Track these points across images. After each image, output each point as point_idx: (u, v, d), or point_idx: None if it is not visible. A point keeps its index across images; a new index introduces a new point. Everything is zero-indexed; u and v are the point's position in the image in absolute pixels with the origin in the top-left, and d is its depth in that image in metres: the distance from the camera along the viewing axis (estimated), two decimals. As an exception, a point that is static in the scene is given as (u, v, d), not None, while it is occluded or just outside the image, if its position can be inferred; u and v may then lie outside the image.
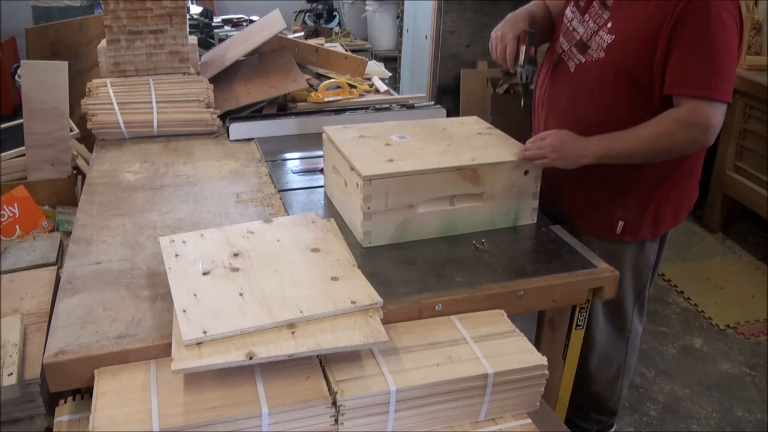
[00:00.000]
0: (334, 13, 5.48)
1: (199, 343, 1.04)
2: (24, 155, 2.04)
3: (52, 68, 2.04)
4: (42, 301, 1.33)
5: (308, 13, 5.37)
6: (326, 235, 1.38)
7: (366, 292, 1.18)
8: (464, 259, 1.42)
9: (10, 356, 1.12)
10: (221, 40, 3.36)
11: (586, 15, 1.62)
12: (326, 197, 1.71)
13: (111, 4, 2.10)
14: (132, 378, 1.06)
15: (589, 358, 1.84)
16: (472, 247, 1.47)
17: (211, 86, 2.18)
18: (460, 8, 4.42)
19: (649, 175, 1.60)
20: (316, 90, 2.43)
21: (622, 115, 1.53)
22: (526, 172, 1.52)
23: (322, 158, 1.75)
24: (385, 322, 1.14)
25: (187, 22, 2.23)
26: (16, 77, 2.79)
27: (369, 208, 1.41)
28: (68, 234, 1.66)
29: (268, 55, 2.59)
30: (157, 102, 2.09)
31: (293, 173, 1.87)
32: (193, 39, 2.31)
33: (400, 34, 5.13)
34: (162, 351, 1.11)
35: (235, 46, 2.60)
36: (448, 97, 4.57)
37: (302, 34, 3.89)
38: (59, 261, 1.63)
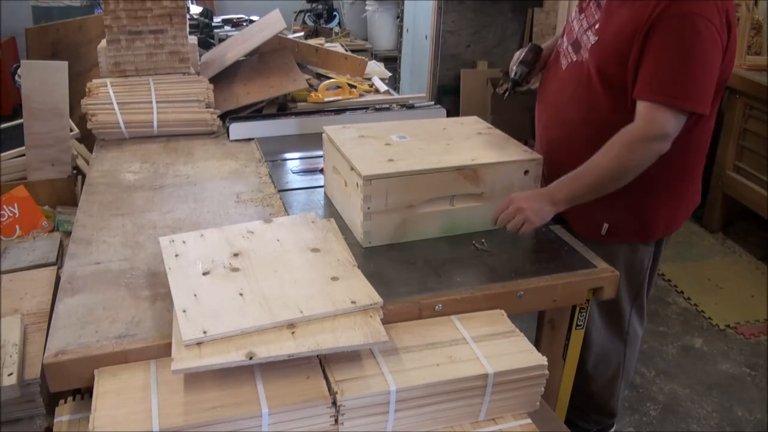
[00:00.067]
0: (334, 13, 5.48)
1: (199, 343, 1.04)
2: (24, 155, 2.04)
3: (52, 68, 2.04)
4: (42, 301, 1.33)
5: (308, 13, 5.37)
6: (326, 235, 1.38)
7: (366, 292, 1.18)
8: (464, 259, 1.42)
9: (10, 356, 1.12)
10: (221, 40, 3.36)
11: (583, 14, 1.63)
12: (326, 197, 1.71)
13: (111, 4, 2.10)
14: (132, 378, 1.06)
15: (586, 358, 1.84)
16: (472, 247, 1.47)
17: (211, 86, 2.18)
18: (460, 8, 4.42)
19: (637, 182, 1.53)
20: (316, 90, 2.43)
21: (603, 116, 1.54)
22: (526, 172, 1.52)
23: (322, 158, 1.75)
24: (385, 322, 1.14)
25: (187, 22, 2.23)
26: (16, 77, 2.79)
27: (369, 208, 1.41)
28: (68, 234, 1.66)
29: (268, 55, 2.59)
30: (157, 102, 2.09)
31: (293, 173, 1.87)
32: (193, 39, 2.31)
33: (400, 34, 5.13)
34: (162, 351, 1.11)
35: (235, 46, 2.60)
36: (448, 97, 4.57)
37: (302, 34, 3.89)
38: (59, 261, 1.63)
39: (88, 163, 2.16)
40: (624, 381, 1.98)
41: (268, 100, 2.31)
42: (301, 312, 1.11)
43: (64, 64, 2.05)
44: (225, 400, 1.00)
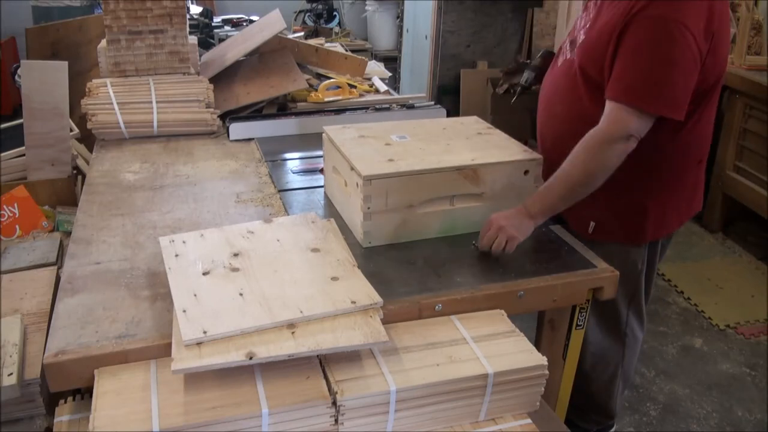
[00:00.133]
0: (334, 13, 5.48)
1: (199, 343, 1.04)
2: (24, 155, 2.04)
3: (52, 68, 2.04)
4: (42, 301, 1.33)
5: (308, 13, 5.37)
6: (326, 235, 1.38)
7: (366, 292, 1.18)
8: (464, 259, 1.42)
9: (10, 356, 1.12)
10: (221, 40, 3.36)
11: (584, 13, 1.65)
12: (326, 197, 1.71)
13: (111, 4, 2.10)
14: (132, 378, 1.06)
15: (583, 358, 1.84)
16: (472, 247, 1.47)
17: (211, 86, 2.18)
18: (460, 8, 4.43)
19: (622, 182, 1.54)
20: (316, 90, 2.43)
21: (586, 112, 1.55)
22: (526, 172, 1.52)
23: (322, 158, 1.75)
24: (385, 322, 1.14)
25: (187, 22, 2.23)
26: (16, 77, 2.79)
27: (369, 208, 1.41)
28: (68, 234, 1.66)
29: (268, 55, 2.59)
30: (157, 102, 2.09)
31: (293, 173, 1.87)
32: (193, 39, 2.31)
33: (400, 34, 5.13)
34: (162, 351, 1.11)
35: (235, 46, 2.60)
36: (448, 97, 4.57)
37: (302, 34, 3.89)
38: (59, 261, 1.63)
39: (88, 163, 2.16)
40: (622, 383, 1.97)
41: (268, 100, 2.31)
42: (301, 312, 1.11)
43: (64, 64, 2.05)
44: (225, 400, 1.00)
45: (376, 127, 1.68)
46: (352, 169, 1.44)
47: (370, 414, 1.05)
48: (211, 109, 2.14)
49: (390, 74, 2.90)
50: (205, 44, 3.35)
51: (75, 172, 2.11)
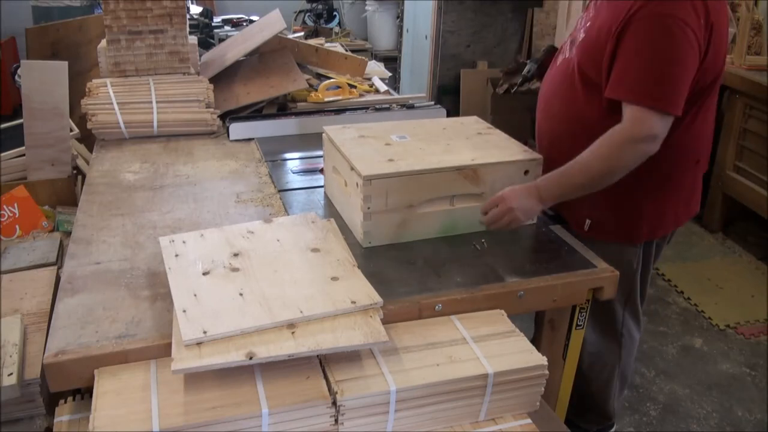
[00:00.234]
0: (334, 13, 5.48)
1: (199, 343, 1.04)
2: (24, 155, 2.04)
3: (52, 68, 2.04)
4: (42, 301, 1.33)
5: (308, 13, 5.37)
6: (326, 235, 1.38)
7: (366, 292, 1.18)
8: (464, 259, 1.42)
9: (10, 356, 1.12)
10: (221, 40, 3.36)
11: (585, 13, 1.66)
12: (326, 197, 1.71)
13: (111, 4, 2.10)
14: (132, 378, 1.06)
15: (580, 358, 1.84)
16: (472, 247, 1.47)
17: (211, 86, 2.18)
18: (460, 8, 4.43)
19: (618, 183, 1.53)
20: (316, 90, 2.43)
21: (581, 110, 1.56)
22: (526, 172, 1.52)
23: (322, 158, 1.75)
24: (385, 322, 1.14)
25: (187, 22, 2.23)
26: (16, 77, 2.79)
27: (369, 208, 1.41)
28: (68, 234, 1.66)
29: (268, 55, 2.59)
30: (157, 102, 2.09)
31: (293, 173, 1.87)
32: (193, 39, 2.31)
33: (400, 34, 5.13)
34: (162, 351, 1.11)
35: (235, 46, 2.61)
36: (448, 97, 4.57)
37: (302, 34, 3.89)
38: (59, 261, 1.63)
39: (88, 163, 2.16)
40: (621, 383, 1.97)
41: (268, 100, 2.31)
42: (301, 312, 1.11)
43: (64, 64, 2.05)
44: (225, 400, 1.00)
45: (376, 127, 1.68)
46: (352, 169, 1.44)
47: (370, 414, 1.05)
48: (211, 109, 2.14)
49: (390, 74, 2.90)
50: (205, 44, 3.35)
51: (75, 172, 2.11)
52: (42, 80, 2.02)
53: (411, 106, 2.37)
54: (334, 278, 1.22)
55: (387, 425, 1.07)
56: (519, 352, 1.16)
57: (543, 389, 1.16)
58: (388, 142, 1.58)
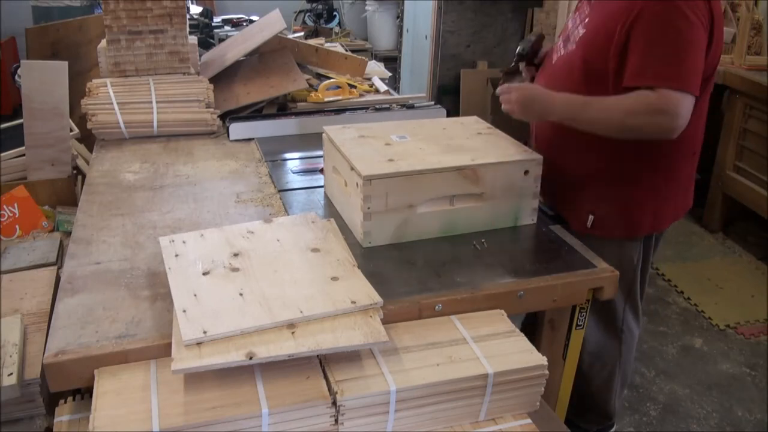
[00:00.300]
0: (334, 13, 5.48)
1: (199, 343, 1.04)
2: (24, 155, 2.04)
3: (52, 68, 2.04)
4: (42, 301, 1.33)
5: (308, 13, 5.37)
6: (326, 235, 1.38)
7: (366, 292, 1.18)
8: (464, 259, 1.42)
9: (10, 356, 1.12)
10: (221, 40, 3.36)
11: (577, 13, 1.69)
12: (326, 197, 1.71)
13: (111, 4, 2.10)
14: (132, 378, 1.06)
15: (581, 357, 1.84)
16: (472, 247, 1.47)
17: (211, 86, 2.18)
18: (460, 8, 4.43)
19: (621, 174, 1.62)
20: (316, 90, 2.43)
21: None
22: (526, 172, 1.52)
23: (322, 158, 1.75)
24: (385, 322, 1.14)
25: (187, 22, 2.23)
26: (16, 77, 2.79)
27: (369, 208, 1.41)
28: (68, 234, 1.66)
29: (268, 55, 2.59)
30: (157, 102, 2.09)
31: (293, 173, 1.87)
32: (193, 39, 2.31)
33: (400, 34, 5.13)
34: (162, 351, 1.11)
35: (235, 46, 2.61)
36: (448, 97, 4.57)
37: (302, 34, 3.89)
38: (59, 261, 1.63)
39: (88, 163, 2.16)
40: (621, 381, 1.97)
41: (268, 100, 2.31)
42: (301, 312, 1.11)
43: (64, 64, 2.05)
44: (225, 400, 1.00)
45: (376, 127, 1.68)
46: (352, 169, 1.44)
47: (370, 414, 1.05)
48: (211, 109, 2.14)
49: (390, 74, 2.90)
50: (205, 44, 3.35)
51: (75, 172, 2.11)
52: (42, 80, 2.02)
53: (411, 106, 2.37)
54: (334, 278, 1.22)
55: (387, 425, 1.07)
56: (519, 352, 1.16)
57: (543, 389, 1.16)
58: (388, 142, 1.58)
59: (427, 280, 1.33)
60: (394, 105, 2.38)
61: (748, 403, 2.37)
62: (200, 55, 2.53)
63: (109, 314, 1.19)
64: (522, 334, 1.21)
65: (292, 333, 1.08)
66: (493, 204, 1.51)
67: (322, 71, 2.68)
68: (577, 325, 1.49)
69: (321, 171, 1.80)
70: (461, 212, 1.50)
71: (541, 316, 1.57)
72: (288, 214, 1.59)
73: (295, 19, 5.40)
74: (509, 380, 1.12)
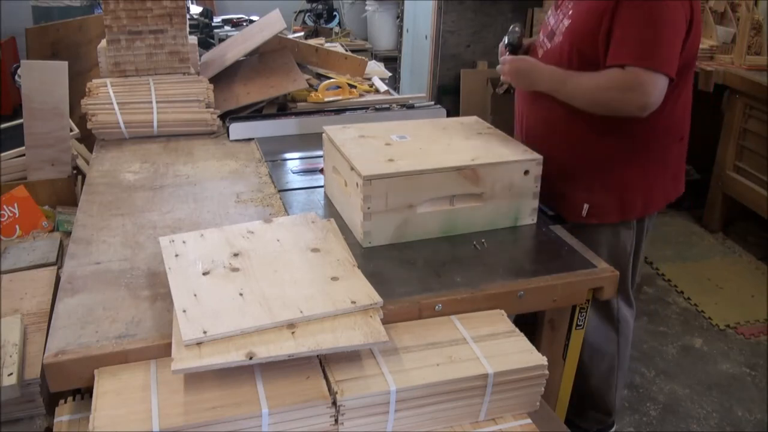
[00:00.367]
0: (334, 13, 5.48)
1: (199, 343, 1.04)
2: (24, 155, 2.04)
3: (52, 68, 2.04)
4: (42, 301, 1.33)
5: (308, 13, 5.37)
6: (326, 235, 1.38)
7: (366, 292, 1.18)
8: (464, 259, 1.42)
9: (10, 356, 1.12)
10: (221, 40, 3.36)
11: (558, 10, 1.75)
12: (326, 197, 1.71)
13: (111, 4, 2.10)
14: (132, 378, 1.06)
15: (580, 351, 1.86)
16: (472, 247, 1.47)
17: (211, 86, 2.18)
18: (460, 8, 4.42)
19: (611, 160, 1.69)
20: (316, 90, 2.43)
21: None
22: (526, 172, 1.52)
23: (322, 158, 1.75)
24: (385, 322, 1.14)
25: (187, 22, 2.23)
26: (16, 77, 2.78)
27: (369, 208, 1.41)
28: (68, 234, 1.66)
29: (268, 55, 2.59)
30: (157, 102, 2.09)
31: (293, 173, 1.87)
32: (193, 39, 2.31)
33: (400, 34, 5.13)
34: (162, 351, 1.11)
35: (235, 46, 2.61)
36: (448, 97, 4.57)
37: (302, 34, 3.89)
38: (59, 261, 1.63)
39: (88, 163, 2.16)
40: (620, 374, 1.99)
41: (268, 100, 2.31)
42: (301, 312, 1.11)
43: (64, 64, 2.05)
44: (225, 400, 1.00)
45: (376, 127, 1.68)
46: (352, 169, 1.44)
47: (370, 414, 1.05)
48: (211, 109, 2.14)
49: (390, 74, 2.90)
50: (205, 44, 3.35)
51: (75, 172, 2.11)
52: (42, 80, 2.02)
53: (411, 106, 2.37)
54: (334, 278, 1.22)
55: (387, 425, 1.07)
56: (519, 352, 1.16)
57: (543, 389, 1.16)
58: (388, 142, 1.58)
59: (427, 280, 1.33)
60: (394, 105, 2.38)
61: (748, 403, 2.37)
62: (200, 55, 2.52)
63: (109, 314, 1.19)
64: (522, 334, 1.21)
65: (292, 333, 1.08)
66: (493, 204, 1.51)
67: (322, 71, 2.68)
68: (577, 325, 1.49)
69: (321, 171, 1.80)
70: (461, 212, 1.50)
71: (541, 316, 1.57)
72: (288, 214, 1.59)
73: (295, 19, 5.39)
74: (509, 380, 1.12)
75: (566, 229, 1.58)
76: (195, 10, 3.95)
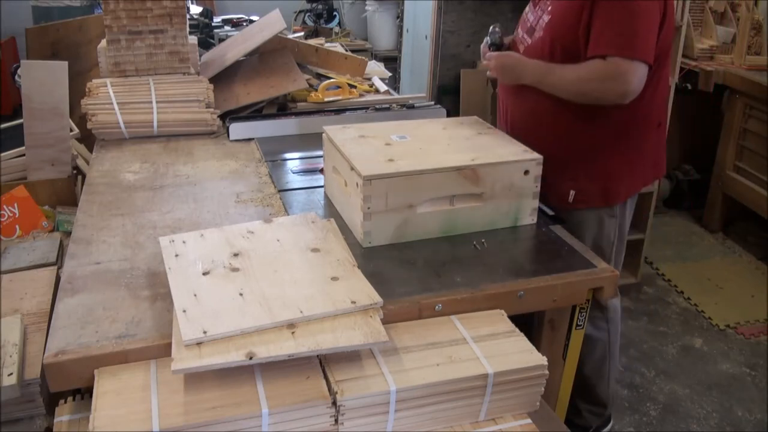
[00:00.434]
0: (334, 13, 5.48)
1: (199, 343, 1.04)
2: (24, 155, 2.04)
3: (52, 68, 2.04)
4: (42, 301, 1.33)
5: (308, 13, 5.37)
6: (326, 235, 1.38)
7: (366, 292, 1.18)
8: (464, 259, 1.42)
9: (10, 356, 1.12)
10: (221, 40, 3.36)
11: (537, 6, 1.81)
12: (326, 197, 1.71)
13: (111, 4, 2.10)
14: (132, 378, 1.06)
15: None
16: (472, 247, 1.47)
17: (211, 86, 2.18)
18: (460, 8, 4.42)
19: (595, 149, 1.76)
20: (316, 90, 2.43)
21: None
22: (526, 172, 1.52)
23: (322, 158, 1.75)
24: (385, 322, 1.14)
25: (187, 22, 2.23)
26: (16, 77, 2.78)
27: (369, 208, 1.41)
28: (68, 234, 1.66)
29: (268, 55, 2.59)
30: (157, 102, 2.09)
31: (293, 173, 1.87)
32: (193, 39, 2.31)
33: (400, 34, 5.12)
34: (162, 351, 1.11)
35: (235, 46, 2.60)
36: (448, 97, 4.56)
37: (302, 34, 3.89)
38: (59, 261, 1.63)
39: (88, 163, 2.16)
40: (612, 364, 2.01)
41: (268, 100, 2.31)
42: (301, 312, 1.11)
43: (64, 64, 2.05)
44: (225, 400, 1.00)
45: (376, 127, 1.68)
46: (352, 169, 1.44)
47: (370, 414, 1.05)
48: (211, 109, 2.14)
49: (390, 74, 2.90)
50: (205, 44, 3.34)
51: (75, 172, 2.11)
52: (42, 80, 2.02)
53: (411, 106, 2.37)
54: (334, 278, 1.22)
55: (387, 425, 1.07)
56: (519, 352, 1.16)
57: (543, 389, 1.16)
58: (388, 142, 1.58)
59: (427, 280, 1.33)
60: (394, 105, 2.38)
61: (748, 403, 2.37)
62: (200, 55, 2.52)
63: (109, 314, 1.19)
64: (522, 334, 1.21)
65: (292, 333, 1.08)
66: (493, 204, 1.51)
67: (322, 71, 2.68)
68: (577, 325, 1.49)
69: (321, 171, 1.80)
70: (461, 212, 1.50)
71: (541, 316, 1.57)
72: (288, 214, 1.59)
73: (295, 19, 5.39)
74: (509, 380, 1.12)
75: (553, 212, 1.64)
76: (195, 10, 3.94)
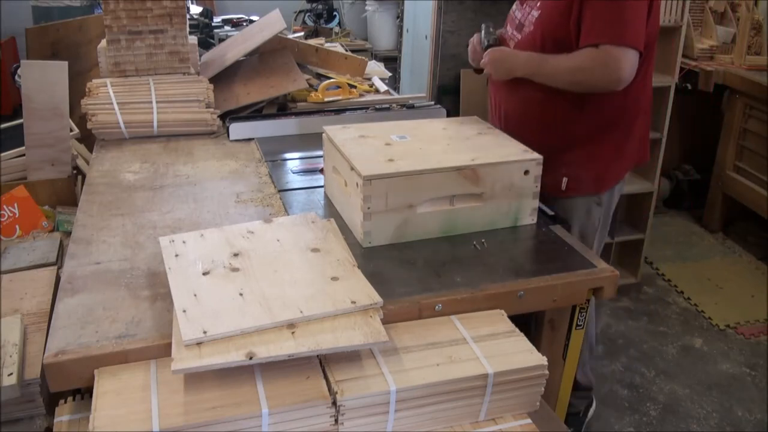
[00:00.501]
0: (334, 13, 5.48)
1: (199, 343, 1.04)
2: (24, 155, 2.04)
3: (52, 68, 2.04)
4: (42, 301, 1.33)
5: (308, 13, 5.37)
6: (326, 235, 1.38)
7: (366, 292, 1.18)
8: (464, 259, 1.42)
9: (10, 356, 1.12)
10: (221, 40, 3.36)
11: (525, 4, 1.85)
12: (326, 197, 1.71)
13: (111, 4, 2.10)
14: (132, 378, 1.06)
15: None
16: (472, 247, 1.47)
17: (211, 86, 2.18)
18: (460, 8, 4.42)
19: (586, 137, 1.80)
20: (316, 90, 2.43)
21: None
22: (526, 172, 1.52)
23: (322, 158, 1.75)
24: (385, 322, 1.14)
25: (187, 22, 2.23)
26: (16, 77, 2.79)
27: (369, 208, 1.41)
28: (68, 234, 1.66)
29: (268, 55, 2.59)
30: (157, 102, 2.09)
31: (293, 173, 1.87)
32: (193, 39, 2.31)
33: (400, 34, 5.12)
34: (162, 351, 1.11)
35: (235, 46, 2.61)
36: (448, 97, 4.56)
37: (302, 34, 3.89)
38: (59, 261, 1.63)
39: (88, 163, 2.16)
40: (587, 347, 2.03)
41: (268, 100, 2.31)
42: (301, 312, 1.11)
43: (64, 64, 2.05)
44: (225, 400, 1.00)
45: (376, 127, 1.68)
46: (352, 169, 1.44)
47: (370, 414, 1.05)
48: (211, 109, 2.14)
49: (390, 74, 2.90)
50: (205, 44, 3.35)
51: (75, 172, 2.11)
52: (42, 80, 2.02)
53: (411, 106, 2.37)
54: (334, 278, 1.22)
55: (387, 425, 1.07)
56: (519, 352, 1.16)
57: (543, 389, 1.16)
58: (388, 142, 1.58)
59: (427, 280, 1.33)
60: (394, 105, 2.38)
61: (748, 403, 2.37)
62: (200, 55, 2.52)
63: (109, 314, 1.19)
64: (522, 334, 1.21)
65: (292, 333, 1.08)
66: (493, 204, 1.51)
67: (322, 71, 2.68)
68: (577, 325, 1.49)
69: (321, 171, 1.80)
70: (461, 212, 1.50)
71: (541, 316, 1.57)
72: (288, 214, 1.59)
73: (295, 19, 5.39)
74: (509, 380, 1.12)
75: (543, 201, 1.64)
76: (195, 10, 3.95)
